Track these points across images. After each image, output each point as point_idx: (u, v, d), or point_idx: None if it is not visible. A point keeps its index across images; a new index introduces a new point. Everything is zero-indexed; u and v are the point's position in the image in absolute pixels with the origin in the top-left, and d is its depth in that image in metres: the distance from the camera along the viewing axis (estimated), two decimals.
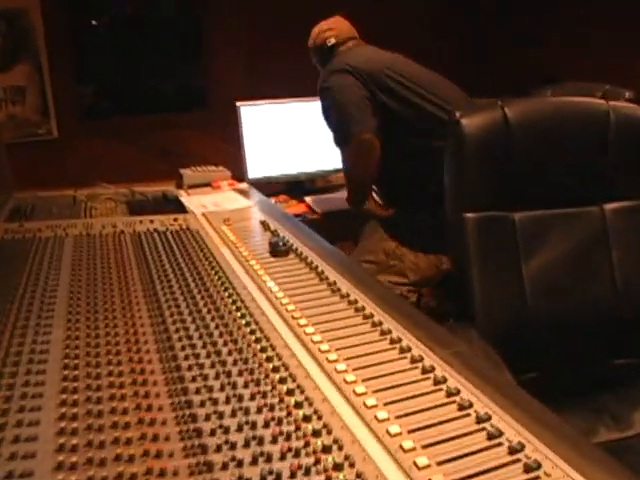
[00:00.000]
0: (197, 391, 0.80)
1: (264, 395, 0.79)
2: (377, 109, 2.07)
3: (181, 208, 1.88)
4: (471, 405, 0.76)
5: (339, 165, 2.79)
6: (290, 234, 1.53)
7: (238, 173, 2.46)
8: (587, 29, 2.98)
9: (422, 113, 2.07)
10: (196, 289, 1.15)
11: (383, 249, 2.10)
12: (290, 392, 0.80)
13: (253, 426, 0.72)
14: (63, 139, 3.53)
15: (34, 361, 0.87)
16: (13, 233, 1.52)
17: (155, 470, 0.65)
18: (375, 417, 0.74)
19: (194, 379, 0.83)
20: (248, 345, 0.92)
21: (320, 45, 2.33)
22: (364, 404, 0.77)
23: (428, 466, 0.66)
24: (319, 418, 0.75)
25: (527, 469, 0.65)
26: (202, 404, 0.77)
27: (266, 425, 0.72)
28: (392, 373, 0.85)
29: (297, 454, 0.67)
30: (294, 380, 0.83)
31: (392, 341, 0.93)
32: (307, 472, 0.65)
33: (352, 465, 0.66)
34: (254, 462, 0.66)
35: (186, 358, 0.88)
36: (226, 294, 1.13)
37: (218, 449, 0.68)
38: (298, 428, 0.72)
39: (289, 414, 0.75)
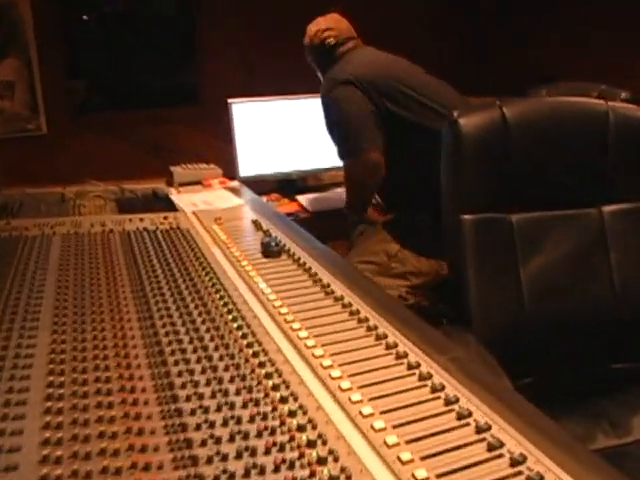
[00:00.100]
0: (187, 398, 0.77)
1: (257, 403, 0.76)
2: (383, 122, 2.05)
3: (171, 206, 1.85)
4: (470, 414, 0.74)
5: (331, 164, 2.79)
6: (282, 234, 1.50)
7: (229, 171, 2.43)
8: (587, 29, 2.96)
9: (424, 118, 2.04)
10: (186, 291, 1.13)
11: (385, 251, 2.08)
12: (284, 400, 0.77)
13: (238, 421, 0.72)
14: (52, 135, 3.49)
15: (18, 366, 0.84)
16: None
17: (140, 464, 0.64)
18: (372, 427, 0.72)
19: (184, 385, 0.80)
20: (240, 350, 0.90)
21: (318, 45, 2.28)
22: (360, 413, 0.75)
23: (427, 479, 0.63)
24: (314, 428, 0.72)
25: None
26: (193, 412, 0.74)
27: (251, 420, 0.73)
28: (388, 380, 0.82)
29: (282, 449, 0.68)
30: (287, 386, 0.81)
31: (388, 346, 0.91)
32: (291, 466, 0.65)
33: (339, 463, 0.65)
34: (239, 456, 0.66)
35: (176, 364, 0.85)
36: (217, 296, 1.10)
37: (203, 443, 0.68)
38: (292, 438, 0.70)
39: (282, 423, 0.73)
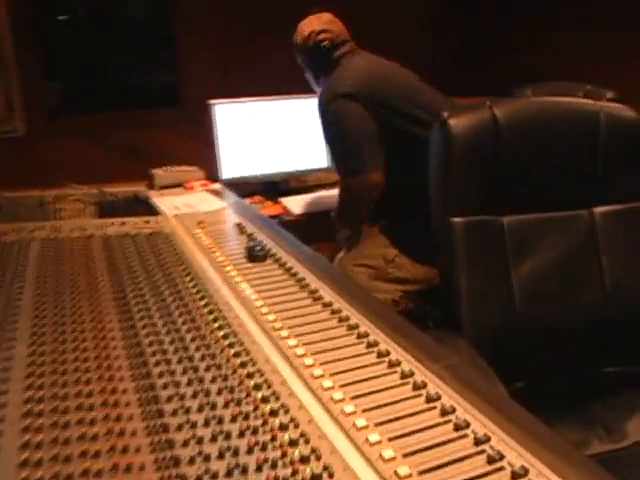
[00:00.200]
0: (174, 413, 0.74)
1: (247, 416, 0.74)
2: (383, 136, 2.01)
3: (153, 210, 1.82)
4: (468, 425, 0.72)
5: (314, 165, 2.76)
6: (267, 237, 1.47)
7: (211, 173, 2.39)
8: (587, 30, 2.93)
9: (420, 127, 2.01)
10: (170, 298, 1.09)
11: (383, 255, 2.06)
12: (274, 413, 0.74)
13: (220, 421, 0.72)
14: (30, 137, 3.42)
15: None
16: None
17: (121, 465, 0.64)
18: (366, 440, 0.69)
19: (170, 399, 0.77)
20: (227, 360, 0.87)
21: (312, 47, 2.21)
22: (354, 425, 0.72)
23: None
24: (307, 442, 0.70)
25: None
26: (174, 413, 0.72)
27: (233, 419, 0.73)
28: (381, 390, 0.80)
29: (264, 448, 0.68)
30: (278, 398, 0.78)
31: (380, 354, 0.88)
32: (274, 465, 0.65)
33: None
34: (221, 456, 0.66)
35: (161, 375, 0.82)
36: (202, 303, 1.07)
37: (185, 444, 0.68)
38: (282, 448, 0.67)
39: (274, 438, 0.70)
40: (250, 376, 0.82)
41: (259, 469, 0.64)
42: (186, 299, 1.08)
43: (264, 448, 0.68)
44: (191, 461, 0.65)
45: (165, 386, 0.79)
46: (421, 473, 0.64)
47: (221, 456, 0.66)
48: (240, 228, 1.56)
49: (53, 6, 3.68)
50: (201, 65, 3.50)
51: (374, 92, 2.04)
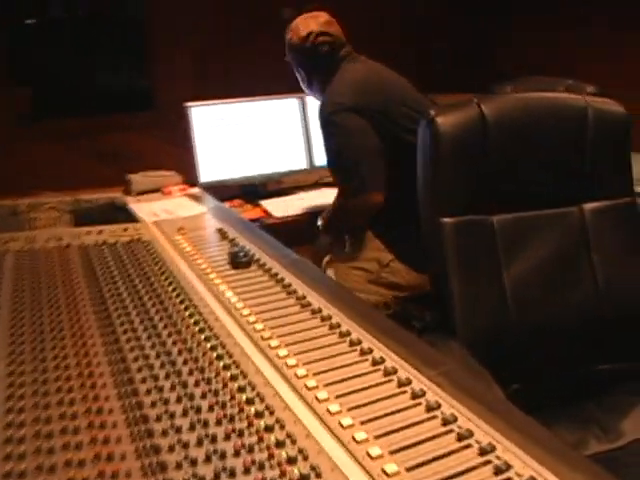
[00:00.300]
0: (164, 432, 0.71)
1: (232, 419, 0.71)
2: (385, 150, 1.97)
3: (131, 217, 1.77)
4: (471, 434, 0.69)
5: (294, 166, 2.73)
6: (250, 242, 1.44)
7: (189, 177, 2.35)
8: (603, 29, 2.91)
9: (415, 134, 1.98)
10: (153, 309, 1.05)
11: (378, 259, 2.03)
12: (269, 428, 0.71)
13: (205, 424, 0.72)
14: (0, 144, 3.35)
15: None
16: None
17: (107, 473, 0.64)
18: (368, 454, 0.67)
19: (159, 418, 0.73)
20: (217, 374, 0.83)
21: (309, 49, 2.14)
22: (353, 438, 0.69)
23: None
24: (305, 458, 0.67)
25: None
26: (159, 418, 0.71)
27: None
28: (379, 400, 0.77)
29: (251, 450, 0.67)
30: (272, 413, 0.75)
31: (375, 362, 0.86)
32: (261, 467, 0.65)
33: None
34: (207, 460, 0.66)
35: (148, 392, 0.79)
36: (187, 314, 1.03)
37: (171, 449, 0.68)
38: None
39: (261, 441, 0.67)
40: (241, 390, 0.79)
41: (247, 471, 0.64)
42: (170, 310, 1.05)
43: (251, 450, 0.67)
44: (178, 466, 0.65)
45: (154, 404, 0.76)
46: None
47: (208, 460, 0.66)
48: (222, 233, 1.52)
49: (22, 9, 3.60)
50: (175, 66, 3.46)
51: (374, 101, 1.99)
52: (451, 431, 0.70)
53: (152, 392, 0.79)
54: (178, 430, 0.70)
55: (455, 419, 0.72)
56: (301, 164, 2.74)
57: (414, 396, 0.77)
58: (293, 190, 2.70)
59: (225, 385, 0.80)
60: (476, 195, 1.36)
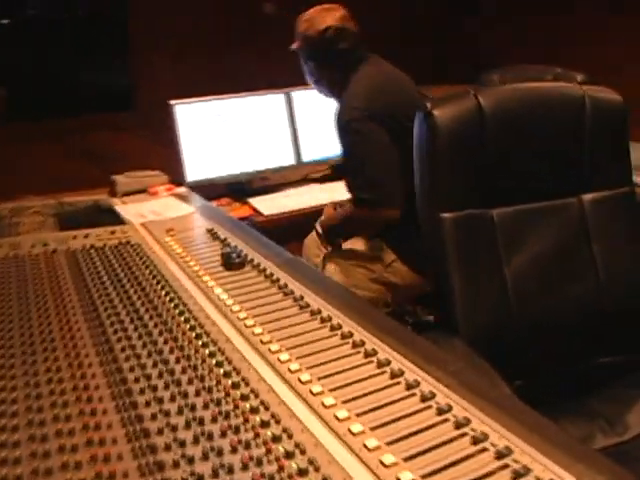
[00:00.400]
0: (159, 431, 0.68)
1: (227, 415, 0.68)
2: (400, 158, 1.93)
3: (117, 219, 1.73)
4: (487, 437, 0.67)
5: (282, 163, 2.69)
6: (242, 242, 1.41)
7: (175, 176, 2.31)
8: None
9: None
10: (147, 315, 1.02)
11: (380, 258, 2.01)
12: (265, 424, 0.68)
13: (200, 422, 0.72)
14: None
15: None
16: None
17: (104, 474, 0.63)
18: (381, 462, 0.64)
19: (160, 431, 0.70)
20: (218, 382, 0.80)
21: (326, 45, 2.07)
22: (365, 446, 0.67)
23: None
24: (302, 452, 0.64)
25: None
26: (154, 417, 0.66)
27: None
28: (388, 404, 0.75)
29: (247, 446, 0.67)
30: (267, 408, 0.74)
31: (380, 364, 0.83)
32: (259, 463, 0.65)
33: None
34: (205, 458, 0.66)
35: (144, 395, 0.76)
36: (182, 319, 1.00)
37: (167, 448, 0.67)
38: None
39: (257, 437, 0.64)
40: (235, 386, 0.79)
41: (245, 467, 0.64)
42: (164, 315, 1.01)
43: (247, 446, 0.67)
44: (175, 465, 0.64)
45: (154, 417, 0.73)
46: None
47: (205, 457, 0.66)
48: (212, 234, 1.49)
49: None
50: (157, 64, 3.41)
51: (396, 111, 1.94)
52: (465, 434, 0.68)
53: (149, 396, 0.76)
54: (174, 429, 0.70)
55: (469, 422, 0.70)
56: (289, 160, 2.70)
57: (424, 399, 0.75)
58: (280, 187, 2.67)
59: (219, 382, 0.79)
60: (476, 189, 1.33)
